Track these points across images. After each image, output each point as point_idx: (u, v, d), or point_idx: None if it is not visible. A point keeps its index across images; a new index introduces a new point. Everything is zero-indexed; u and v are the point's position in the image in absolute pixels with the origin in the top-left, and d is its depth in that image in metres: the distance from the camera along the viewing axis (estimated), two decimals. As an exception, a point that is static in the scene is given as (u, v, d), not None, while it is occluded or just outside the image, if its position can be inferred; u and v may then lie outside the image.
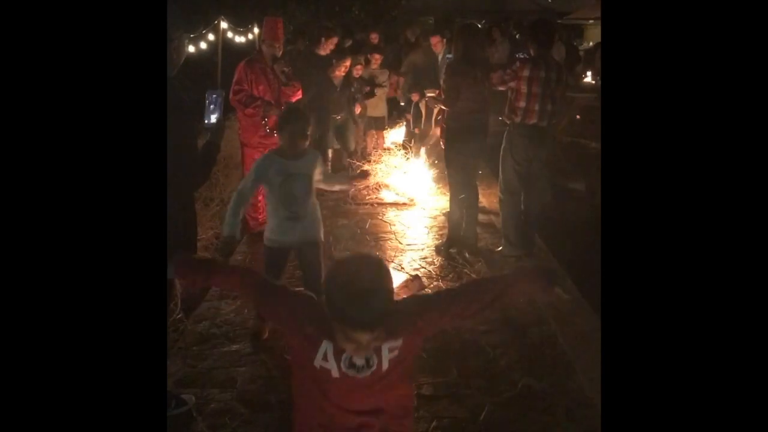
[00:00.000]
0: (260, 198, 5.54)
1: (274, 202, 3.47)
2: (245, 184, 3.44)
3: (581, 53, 11.84)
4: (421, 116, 7.94)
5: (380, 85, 7.88)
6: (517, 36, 7.17)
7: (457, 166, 5.22)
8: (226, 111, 3.01)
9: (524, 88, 4.82)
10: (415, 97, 7.85)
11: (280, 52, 5.55)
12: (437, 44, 7.47)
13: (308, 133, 3.44)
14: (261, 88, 5.28)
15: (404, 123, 8.35)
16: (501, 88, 5.04)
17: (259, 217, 5.59)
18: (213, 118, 2.79)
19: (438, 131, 6.72)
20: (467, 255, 5.18)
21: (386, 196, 6.78)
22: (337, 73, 6.75)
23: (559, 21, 13.09)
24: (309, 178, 3.46)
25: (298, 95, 5.75)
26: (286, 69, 5.62)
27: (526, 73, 4.80)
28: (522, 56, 5.84)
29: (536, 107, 4.82)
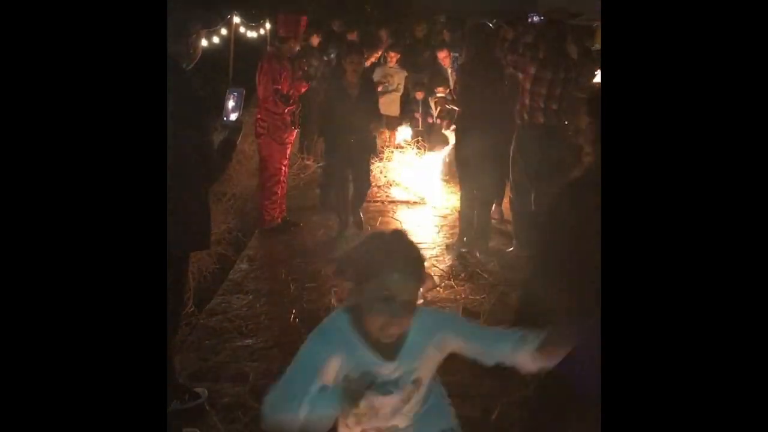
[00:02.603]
0: (277, 191, 5.55)
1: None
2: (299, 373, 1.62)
3: (593, 54, 11.80)
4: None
5: (392, 90, 7.84)
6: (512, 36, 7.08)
7: (468, 166, 5.23)
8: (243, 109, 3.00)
9: (528, 86, 4.84)
10: (419, 95, 7.79)
11: (298, 48, 5.59)
12: (444, 59, 7.48)
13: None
14: (286, 85, 5.31)
15: (411, 121, 8.33)
16: (512, 70, 5.13)
17: (275, 212, 5.60)
18: (232, 116, 2.79)
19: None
20: (478, 254, 5.19)
21: (397, 194, 6.79)
22: (350, 78, 5.26)
23: (571, 22, 13.05)
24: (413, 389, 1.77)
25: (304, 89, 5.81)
26: (314, 63, 5.66)
27: (532, 70, 4.81)
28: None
29: (541, 105, 4.83)
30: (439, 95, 6.22)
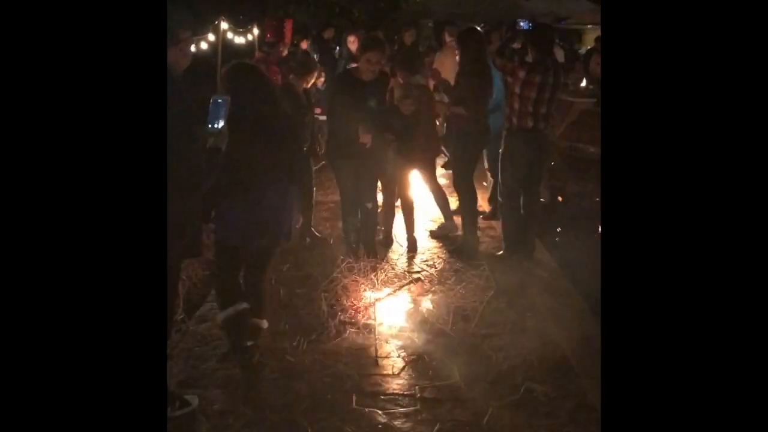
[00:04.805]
0: None
1: None
2: None
3: (580, 57, 11.87)
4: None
5: None
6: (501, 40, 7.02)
7: (464, 170, 5.26)
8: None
9: (517, 90, 4.85)
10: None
11: (286, 53, 5.59)
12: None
13: None
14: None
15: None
16: (501, 71, 5.17)
17: None
18: (217, 123, 2.81)
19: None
20: (468, 258, 5.21)
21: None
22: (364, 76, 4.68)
23: (558, 25, 13.14)
24: None
25: None
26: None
27: (521, 75, 4.82)
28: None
29: (530, 110, 4.84)
30: (437, 99, 6.17)
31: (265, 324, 3.57)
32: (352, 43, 7.39)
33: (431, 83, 6.66)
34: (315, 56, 7.70)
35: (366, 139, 4.54)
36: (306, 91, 5.09)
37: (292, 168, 3.44)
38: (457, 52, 5.42)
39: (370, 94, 4.65)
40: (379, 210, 5.61)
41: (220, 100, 2.83)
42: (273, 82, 3.53)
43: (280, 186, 3.36)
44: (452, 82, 5.51)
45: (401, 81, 5.32)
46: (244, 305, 3.44)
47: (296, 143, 3.56)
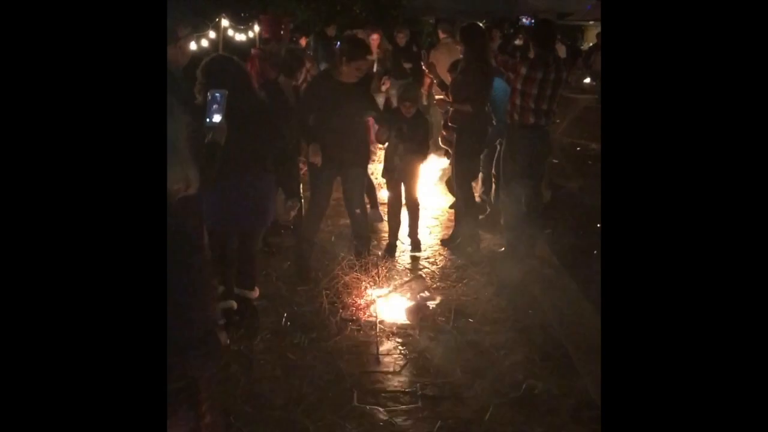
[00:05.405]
0: None
1: None
2: None
3: (582, 54, 11.87)
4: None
5: None
6: (509, 32, 6.96)
7: (465, 167, 5.27)
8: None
9: (518, 86, 4.83)
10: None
11: (282, 51, 5.58)
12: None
13: None
14: None
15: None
16: (502, 67, 5.17)
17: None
18: (215, 118, 2.80)
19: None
20: (469, 249, 5.22)
21: (387, 196, 6.74)
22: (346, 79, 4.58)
23: (560, 22, 13.12)
24: None
25: None
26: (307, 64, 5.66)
27: (523, 71, 4.80)
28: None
29: (531, 106, 4.83)
30: (438, 98, 6.14)
31: (256, 293, 4.00)
32: (375, 40, 7.34)
33: (428, 79, 6.62)
34: (309, 53, 7.70)
35: (315, 159, 4.49)
36: (296, 88, 5.03)
37: (268, 158, 3.66)
38: (459, 48, 5.39)
39: (350, 94, 4.53)
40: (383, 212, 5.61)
41: (217, 95, 2.81)
42: (250, 74, 3.80)
43: (254, 174, 3.60)
44: (445, 79, 5.51)
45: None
46: (232, 303, 3.80)
47: (273, 134, 3.70)
